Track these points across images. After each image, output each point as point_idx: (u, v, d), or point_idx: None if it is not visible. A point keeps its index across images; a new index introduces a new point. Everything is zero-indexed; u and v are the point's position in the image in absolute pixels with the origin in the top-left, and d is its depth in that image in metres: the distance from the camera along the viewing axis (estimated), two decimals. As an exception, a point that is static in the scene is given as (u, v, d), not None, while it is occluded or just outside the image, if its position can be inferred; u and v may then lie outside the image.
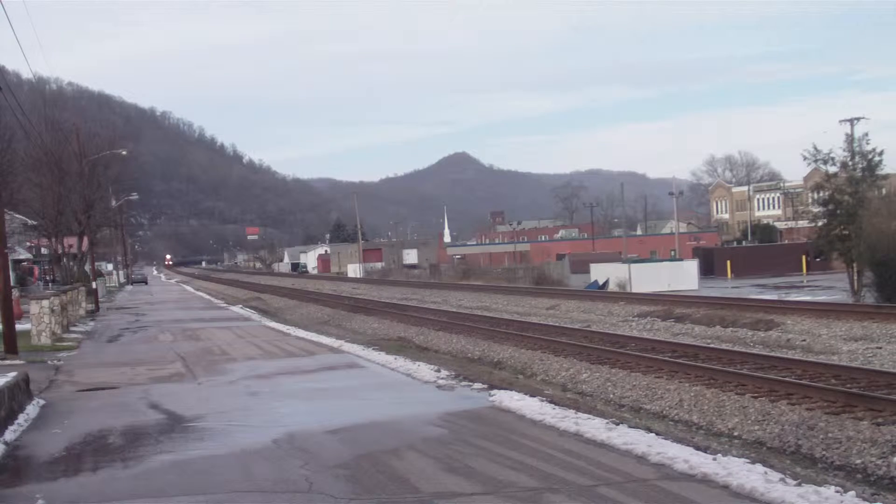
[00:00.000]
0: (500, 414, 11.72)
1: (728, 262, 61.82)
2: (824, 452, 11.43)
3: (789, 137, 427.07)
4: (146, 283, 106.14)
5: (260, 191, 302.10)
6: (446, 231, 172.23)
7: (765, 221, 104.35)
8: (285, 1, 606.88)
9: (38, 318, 24.94)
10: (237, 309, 44.54)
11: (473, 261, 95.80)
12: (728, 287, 48.81)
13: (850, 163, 36.65)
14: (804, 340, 21.35)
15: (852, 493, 7.66)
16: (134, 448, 10.43)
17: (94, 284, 49.24)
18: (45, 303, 25.37)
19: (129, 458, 9.89)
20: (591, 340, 22.82)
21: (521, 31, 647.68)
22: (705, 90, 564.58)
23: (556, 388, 17.23)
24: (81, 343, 26.40)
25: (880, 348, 19.13)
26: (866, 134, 37.54)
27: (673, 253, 74.58)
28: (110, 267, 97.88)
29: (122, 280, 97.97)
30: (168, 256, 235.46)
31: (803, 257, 55.63)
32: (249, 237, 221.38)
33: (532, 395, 13.06)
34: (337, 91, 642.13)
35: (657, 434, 10.22)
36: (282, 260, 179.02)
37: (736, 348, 20.33)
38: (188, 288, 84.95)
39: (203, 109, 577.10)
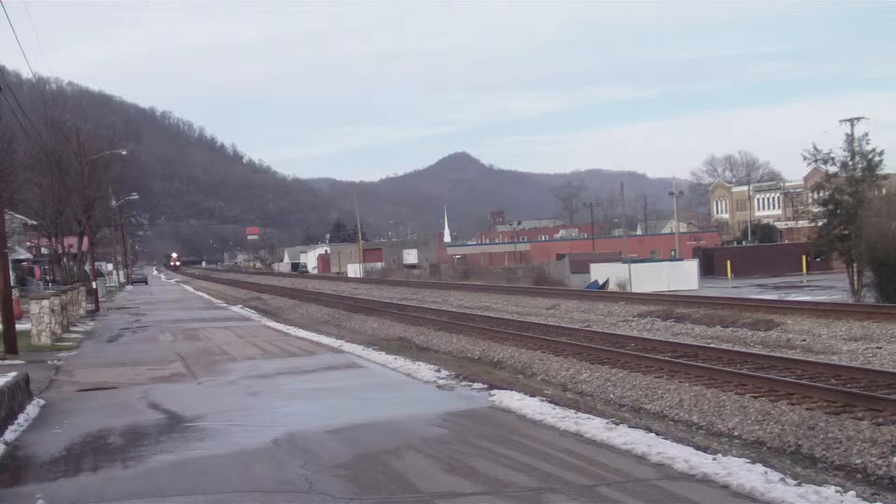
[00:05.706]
0: (501, 414, 11.72)
1: (728, 262, 61.80)
2: (824, 452, 11.43)
3: (789, 137, 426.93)
4: (146, 283, 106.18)
5: (260, 191, 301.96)
6: (446, 231, 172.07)
7: (765, 221, 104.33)
8: (285, 1, 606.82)
9: (38, 317, 24.94)
10: (237, 309, 44.55)
11: (473, 261, 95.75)
12: (728, 287, 48.79)
13: (850, 163, 36.67)
14: (804, 340, 21.36)
15: (852, 493, 7.67)
16: (134, 448, 10.43)
17: (94, 284, 49.24)
18: (45, 303, 25.37)
19: (129, 458, 9.90)
20: (591, 340, 22.82)
21: (521, 31, 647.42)
22: (705, 90, 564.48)
23: (556, 388, 17.22)
24: (81, 343, 26.40)
25: (880, 348, 19.13)
26: (866, 134, 37.67)
27: (673, 253, 74.57)
28: (110, 267, 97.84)
29: (122, 280, 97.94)
30: (174, 255, 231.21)
31: (803, 257, 55.64)
32: (249, 237, 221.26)
33: (532, 395, 13.06)
34: (337, 91, 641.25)
35: (657, 434, 10.23)
36: (282, 260, 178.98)
37: (736, 348, 20.33)
38: (188, 288, 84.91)
39: (203, 109, 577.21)
